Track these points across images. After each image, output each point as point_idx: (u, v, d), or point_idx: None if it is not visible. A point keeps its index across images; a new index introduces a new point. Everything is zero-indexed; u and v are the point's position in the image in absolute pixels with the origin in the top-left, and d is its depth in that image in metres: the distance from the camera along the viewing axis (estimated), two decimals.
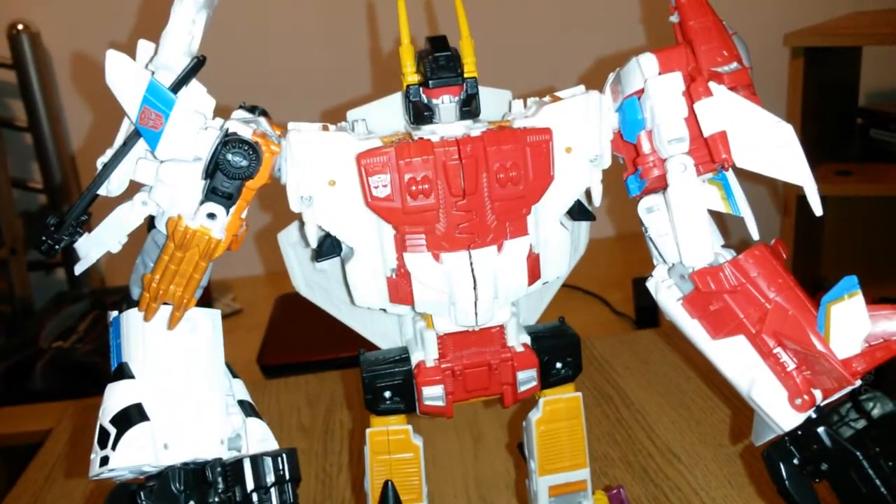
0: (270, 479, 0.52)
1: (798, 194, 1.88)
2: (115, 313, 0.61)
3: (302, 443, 1.09)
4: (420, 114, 0.61)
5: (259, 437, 0.60)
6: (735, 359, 0.60)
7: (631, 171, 0.64)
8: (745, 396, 0.61)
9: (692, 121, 0.60)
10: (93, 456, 0.57)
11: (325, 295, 0.72)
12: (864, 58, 1.98)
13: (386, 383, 0.66)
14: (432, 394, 0.65)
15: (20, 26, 1.83)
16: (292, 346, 1.54)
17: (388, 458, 0.67)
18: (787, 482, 0.59)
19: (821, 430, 0.57)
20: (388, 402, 0.66)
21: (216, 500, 0.52)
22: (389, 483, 0.64)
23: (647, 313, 1.57)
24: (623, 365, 1.21)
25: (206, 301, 0.63)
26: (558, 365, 0.68)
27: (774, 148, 0.58)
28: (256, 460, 0.53)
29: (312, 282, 0.72)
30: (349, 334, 0.73)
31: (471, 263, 0.61)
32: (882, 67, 2.01)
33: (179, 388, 0.58)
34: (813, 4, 1.92)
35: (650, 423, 1.06)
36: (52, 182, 1.99)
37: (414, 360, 0.66)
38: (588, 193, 0.65)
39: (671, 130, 0.60)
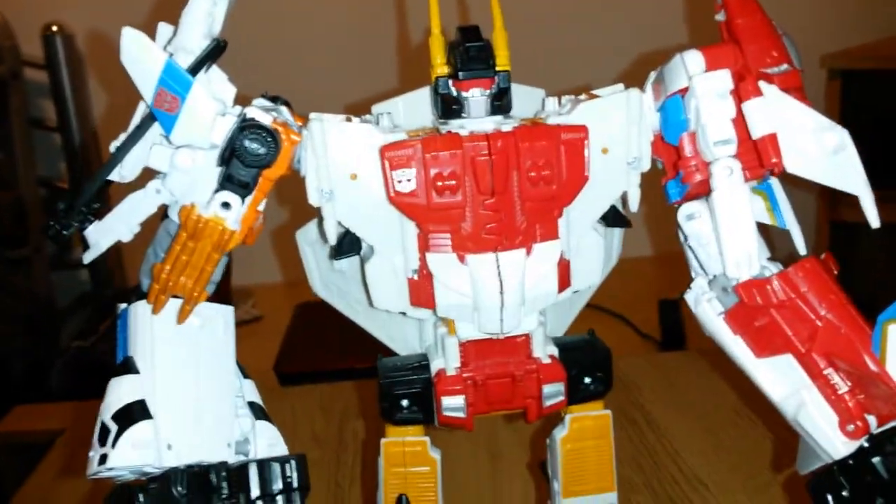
0: (277, 486, 0.49)
1: (831, 220, 1.81)
2: (123, 305, 0.59)
3: (315, 452, 1.05)
4: (448, 107, 0.57)
5: (268, 442, 0.56)
6: (781, 379, 0.56)
7: (671, 176, 0.60)
8: (791, 420, 0.56)
9: (740, 123, 0.56)
10: (91, 454, 0.53)
11: (342, 297, 0.68)
12: None
13: (404, 391, 0.62)
14: (452, 404, 0.61)
15: (55, 27, 1.84)
16: (309, 355, 1.51)
17: (403, 471, 0.63)
18: None
19: (876, 460, 0.53)
20: (405, 412, 0.62)
21: None
22: (403, 497, 0.60)
23: (674, 335, 1.51)
24: (649, 387, 1.16)
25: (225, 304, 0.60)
26: (587, 380, 0.64)
27: (828, 153, 0.54)
28: (263, 465, 0.50)
29: (330, 282, 0.68)
30: (367, 345, 0.70)
31: (497, 266, 0.57)
32: None
33: (186, 387, 0.55)
34: (853, 26, 1.87)
35: (676, 448, 1.01)
36: (79, 181, 2.00)
37: (434, 367, 0.62)
38: (624, 199, 0.62)
39: (718, 132, 0.56)
